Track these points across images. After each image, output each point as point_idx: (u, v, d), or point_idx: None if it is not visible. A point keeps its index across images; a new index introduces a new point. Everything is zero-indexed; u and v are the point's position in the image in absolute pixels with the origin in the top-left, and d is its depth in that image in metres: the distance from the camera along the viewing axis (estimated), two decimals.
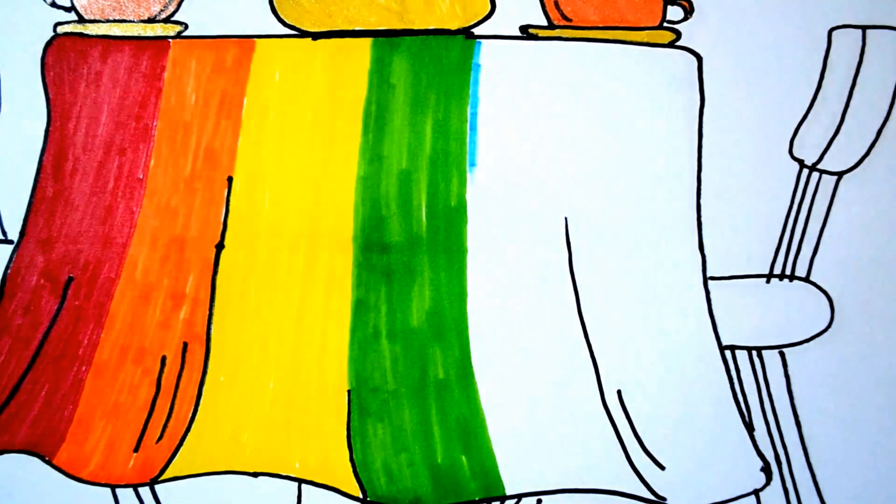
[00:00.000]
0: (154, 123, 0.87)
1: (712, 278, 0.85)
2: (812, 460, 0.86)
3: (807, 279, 0.87)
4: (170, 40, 0.88)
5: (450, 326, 0.84)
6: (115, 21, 0.88)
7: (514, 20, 0.87)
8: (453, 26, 0.87)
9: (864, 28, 0.86)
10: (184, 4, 0.88)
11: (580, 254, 0.85)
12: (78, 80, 0.87)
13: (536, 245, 0.85)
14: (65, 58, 0.88)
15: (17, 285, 0.86)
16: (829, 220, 0.87)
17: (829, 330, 0.86)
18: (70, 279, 0.86)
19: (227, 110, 0.86)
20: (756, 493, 0.85)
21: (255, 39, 0.87)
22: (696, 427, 0.84)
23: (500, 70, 0.86)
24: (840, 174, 0.87)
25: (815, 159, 0.86)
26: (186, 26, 0.88)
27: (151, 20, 0.88)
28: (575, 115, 0.86)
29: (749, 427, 0.85)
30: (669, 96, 0.86)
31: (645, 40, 0.86)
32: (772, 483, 0.85)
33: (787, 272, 0.87)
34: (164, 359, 0.85)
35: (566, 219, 0.85)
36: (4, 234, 0.88)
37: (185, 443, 0.84)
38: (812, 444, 0.86)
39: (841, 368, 0.86)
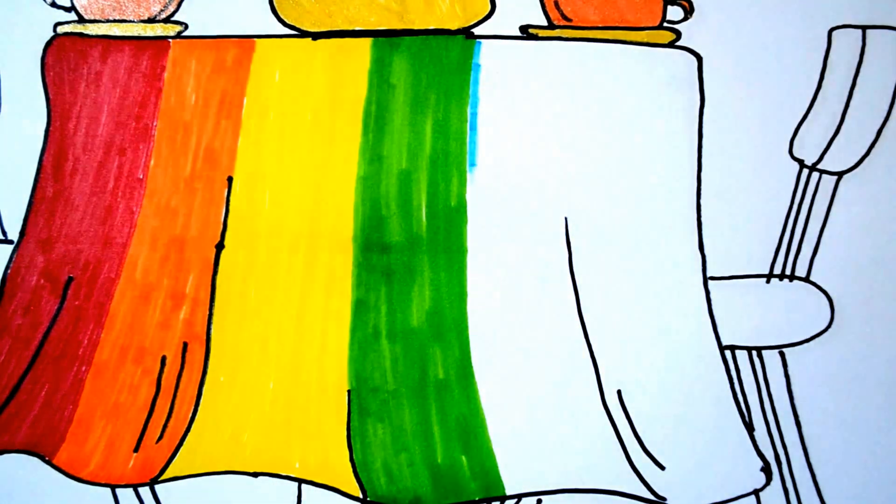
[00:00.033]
0: (154, 123, 0.87)
1: (712, 278, 0.85)
2: (812, 460, 0.86)
3: (807, 279, 0.87)
4: (170, 40, 0.88)
5: (450, 326, 0.84)
6: (115, 21, 0.88)
7: (514, 20, 0.87)
8: (453, 26, 0.87)
9: (864, 28, 0.86)
10: (184, 4, 0.88)
11: (580, 254, 0.85)
12: (78, 80, 0.87)
13: (536, 245, 0.85)
14: (65, 58, 0.88)
15: (17, 285, 0.86)
16: (829, 220, 0.87)
17: (829, 330, 0.86)
18: (70, 279, 0.86)
19: (227, 110, 0.86)
20: (756, 493, 0.85)
21: (255, 39, 0.87)
22: (696, 427, 0.84)
23: (500, 70, 0.86)
24: (840, 174, 0.87)
25: (815, 159, 0.86)
26: (186, 26, 0.88)
27: (151, 20, 0.88)
28: (575, 115, 0.86)
29: (749, 427, 0.85)
30: (669, 96, 0.86)
31: (645, 40, 0.86)
32: (772, 483, 0.85)
33: (787, 272, 0.87)
34: (164, 359, 0.85)
35: (566, 219, 0.85)
36: (4, 234, 0.88)
37: (185, 443, 0.84)
38: (812, 444, 0.86)
39: (841, 368, 0.86)
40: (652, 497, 0.84)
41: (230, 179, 0.86)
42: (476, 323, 0.84)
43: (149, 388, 0.84)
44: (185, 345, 0.85)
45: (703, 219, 0.86)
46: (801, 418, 0.86)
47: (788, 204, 0.87)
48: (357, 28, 0.87)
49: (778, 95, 0.87)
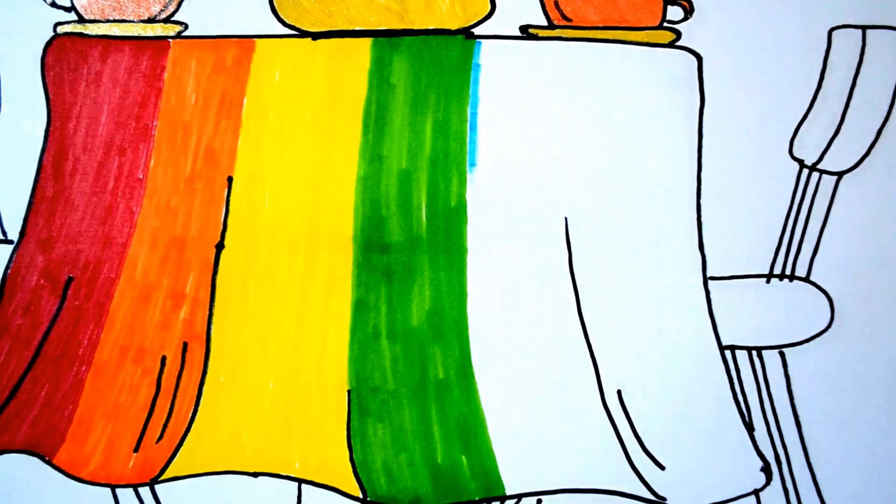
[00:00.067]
0: (154, 123, 0.87)
1: (712, 278, 0.85)
2: (812, 460, 0.86)
3: (807, 279, 0.87)
4: (170, 40, 0.88)
5: (450, 326, 0.84)
6: (115, 21, 0.88)
7: (514, 20, 0.87)
8: (453, 26, 0.87)
9: (864, 28, 0.86)
10: (184, 4, 0.88)
11: (580, 254, 0.85)
12: (78, 80, 0.87)
13: (536, 245, 0.85)
14: (65, 58, 0.88)
15: (17, 285, 0.86)
16: (829, 220, 0.87)
17: (829, 330, 0.86)
18: (70, 279, 0.86)
19: (227, 110, 0.86)
20: (756, 493, 0.85)
21: (255, 39, 0.87)
22: (696, 427, 0.84)
23: (500, 70, 0.86)
24: (840, 174, 0.87)
25: (815, 159, 0.86)
26: (186, 26, 0.88)
27: (151, 20, 0.88)
28: (575, 115, 0.86)
29: (749, 427, 0.85)
30: (669, 96, 0.86)
31: (645, 40, 0.86)
32: (772, 483, 0.85)
33: (787, 272, 0.87)
34: (164, 359, 0.85)
35: (566, 219, 0.85)
36: (4, 234, 0.88)
37: (185, 443, 0.84)
38: (812, 444, 0.86)
39: (841, 368, 0.86)
40: (652, 497, 0.84)
41: (230, 179, 0.86)
42: (476, 323, 0.84)
43: (149, 388, 0.84)
44: (185, 345, 0.85)
45: (703, 219, 0.86)
46: (801, 418, 0.86)
47: (788, 204, 0.87)
48: (357, 28, 0.87)
49: (778, 95, 0.87)
